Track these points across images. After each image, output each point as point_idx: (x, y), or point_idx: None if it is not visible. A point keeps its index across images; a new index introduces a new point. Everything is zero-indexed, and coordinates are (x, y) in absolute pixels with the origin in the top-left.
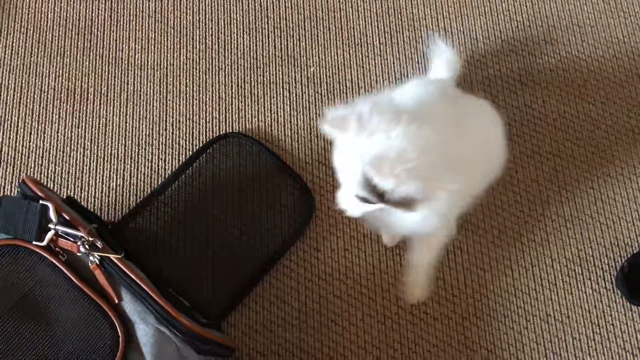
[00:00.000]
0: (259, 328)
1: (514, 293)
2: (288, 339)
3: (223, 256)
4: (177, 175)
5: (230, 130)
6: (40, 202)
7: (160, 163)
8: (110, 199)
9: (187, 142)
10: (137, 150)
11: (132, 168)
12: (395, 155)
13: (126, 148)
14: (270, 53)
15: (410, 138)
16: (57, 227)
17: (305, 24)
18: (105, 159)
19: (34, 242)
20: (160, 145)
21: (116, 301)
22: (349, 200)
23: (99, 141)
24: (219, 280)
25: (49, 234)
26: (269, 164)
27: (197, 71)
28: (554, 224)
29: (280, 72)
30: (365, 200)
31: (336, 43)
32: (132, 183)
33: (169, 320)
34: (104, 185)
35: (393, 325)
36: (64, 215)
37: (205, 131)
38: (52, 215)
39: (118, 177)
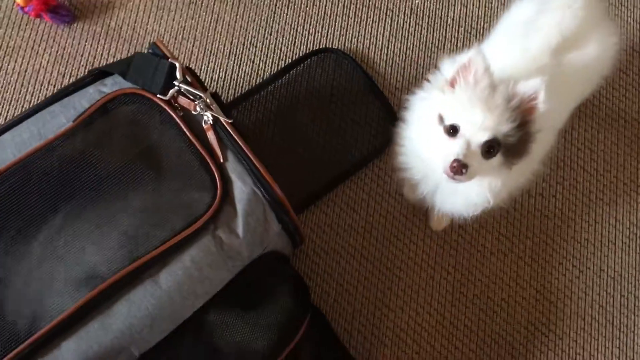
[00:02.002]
0: (327, 229)
1: (572, 244)
2: (352, 244)
3: (305, 159)
4: (275, 79)
5: (330, 47)
6: (170, 61)
7: (261, 65)
8: (210, 89)
9: (288, 50)
10: (241, 49)
11: (235, 65)
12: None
13: (232, 45)
14: None
15: None
16: (181, 85)
17: None
18: (212, 52)
19: (158, 96)
20: (264, 48)
21: (221, 160)
22: (470, 155)
23: (209, 35)
24: (297, 181)
25: (172, 90)
26: (361, 83)
27: None
28: (625, 187)
29: (385, 0)
30: (494, 145)
31: None
32: (233, 78)
33: (264, 184)
34: (207, 76)
35: (451, 251)
36: (187, 77)
37: (307, 43)
38: (178, 74)
39: (221, 70)
